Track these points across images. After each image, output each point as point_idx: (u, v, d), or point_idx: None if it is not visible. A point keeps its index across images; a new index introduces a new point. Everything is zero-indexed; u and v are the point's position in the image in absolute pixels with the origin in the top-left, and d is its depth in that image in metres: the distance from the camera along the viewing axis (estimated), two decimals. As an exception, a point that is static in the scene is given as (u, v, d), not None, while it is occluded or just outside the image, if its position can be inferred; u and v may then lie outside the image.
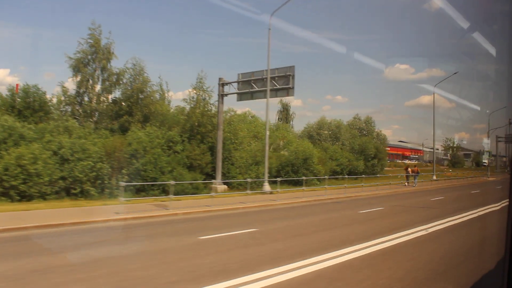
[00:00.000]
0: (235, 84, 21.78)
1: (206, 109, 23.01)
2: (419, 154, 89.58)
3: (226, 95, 21.82)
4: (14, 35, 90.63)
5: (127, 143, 19.52)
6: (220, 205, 15.68)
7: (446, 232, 11.62)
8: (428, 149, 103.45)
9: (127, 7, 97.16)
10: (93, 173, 16.99)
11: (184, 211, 14.35)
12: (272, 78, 20.05)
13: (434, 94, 38.54)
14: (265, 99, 20.43)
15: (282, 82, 19.79)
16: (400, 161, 71.40)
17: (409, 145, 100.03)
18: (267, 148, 20.90)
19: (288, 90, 19.66)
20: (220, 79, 21.83)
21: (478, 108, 45.78)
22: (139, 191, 18.03)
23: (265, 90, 20.26)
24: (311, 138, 36.41)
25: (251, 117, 34.64)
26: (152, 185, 18.37)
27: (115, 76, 24.32)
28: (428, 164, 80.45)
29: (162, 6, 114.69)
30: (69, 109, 23.52)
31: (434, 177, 37.16)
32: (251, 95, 20.85)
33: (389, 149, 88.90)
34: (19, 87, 22.05)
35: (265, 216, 14.76)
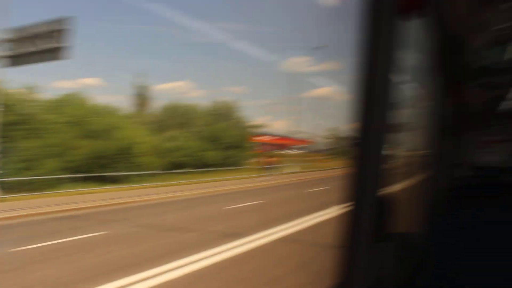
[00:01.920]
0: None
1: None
2: (308, 144, 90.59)
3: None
4: None
5: None
6: None
7: None
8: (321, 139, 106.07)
9: None
10: None
11: None
12: (40, 36, 14.41)
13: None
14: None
15: (54, 41, 14.25)
16: (283, 152, 70.46)
17: (301, 136, 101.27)
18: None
19: (56, 52, 14.12)
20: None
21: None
22: None
23: (28, 54, 14.57)
24: (155, 125, 31.43)
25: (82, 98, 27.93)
26: None
27: None
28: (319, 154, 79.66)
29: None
30: None
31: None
32: (12, 61, 14.84)
33: (273, 138, 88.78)
34: None
35: None
